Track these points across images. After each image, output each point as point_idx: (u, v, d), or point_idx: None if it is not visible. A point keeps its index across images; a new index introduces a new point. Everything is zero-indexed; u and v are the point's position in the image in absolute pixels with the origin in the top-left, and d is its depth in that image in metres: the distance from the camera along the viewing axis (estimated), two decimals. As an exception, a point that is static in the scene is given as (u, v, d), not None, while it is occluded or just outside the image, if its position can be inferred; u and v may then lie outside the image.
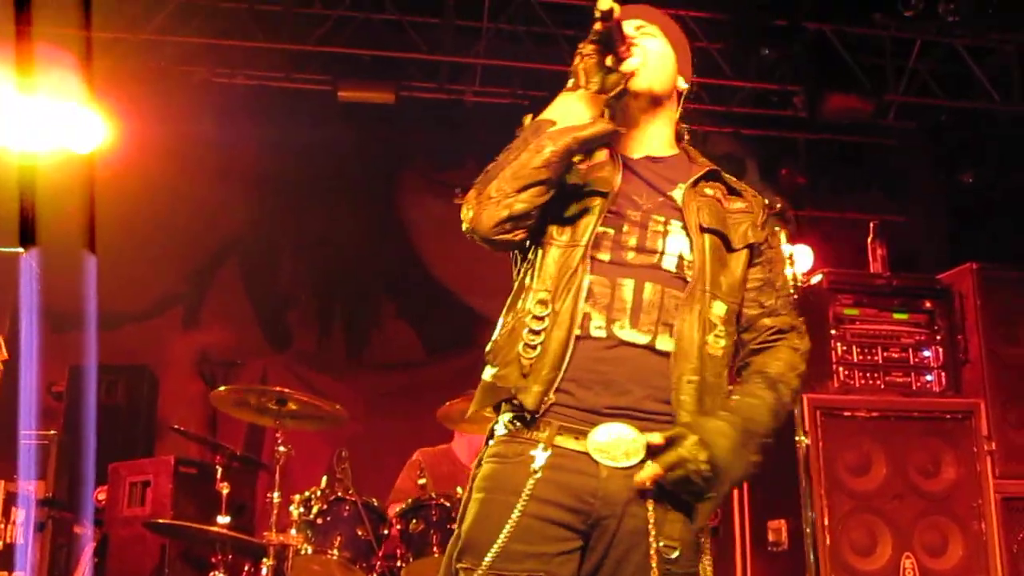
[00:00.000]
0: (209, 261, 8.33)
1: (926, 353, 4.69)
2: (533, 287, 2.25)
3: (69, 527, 5.51)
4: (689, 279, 2.25)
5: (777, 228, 2.47)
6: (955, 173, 8.05)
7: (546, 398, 2.17)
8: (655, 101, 2.41)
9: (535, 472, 2.15)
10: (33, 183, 7.56)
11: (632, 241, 2.26)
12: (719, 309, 2.26)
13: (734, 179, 2.48)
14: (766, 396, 2.29)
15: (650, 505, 2.13)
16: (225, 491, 4.85)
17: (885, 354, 4.63)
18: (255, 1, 7.13)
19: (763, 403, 2.28)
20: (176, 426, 7.32)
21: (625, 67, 2.28)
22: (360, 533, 4.56)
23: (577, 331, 2.19)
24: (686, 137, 2.50)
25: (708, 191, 2.37)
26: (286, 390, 4.75)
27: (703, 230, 2.29)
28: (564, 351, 2.18)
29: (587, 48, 2.26)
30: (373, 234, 8.21)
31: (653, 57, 2.39)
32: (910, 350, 4.68)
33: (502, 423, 2.25)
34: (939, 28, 7.35)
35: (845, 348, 4.58)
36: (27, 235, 6.99)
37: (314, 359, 8.12)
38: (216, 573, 4.67)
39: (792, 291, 2.45)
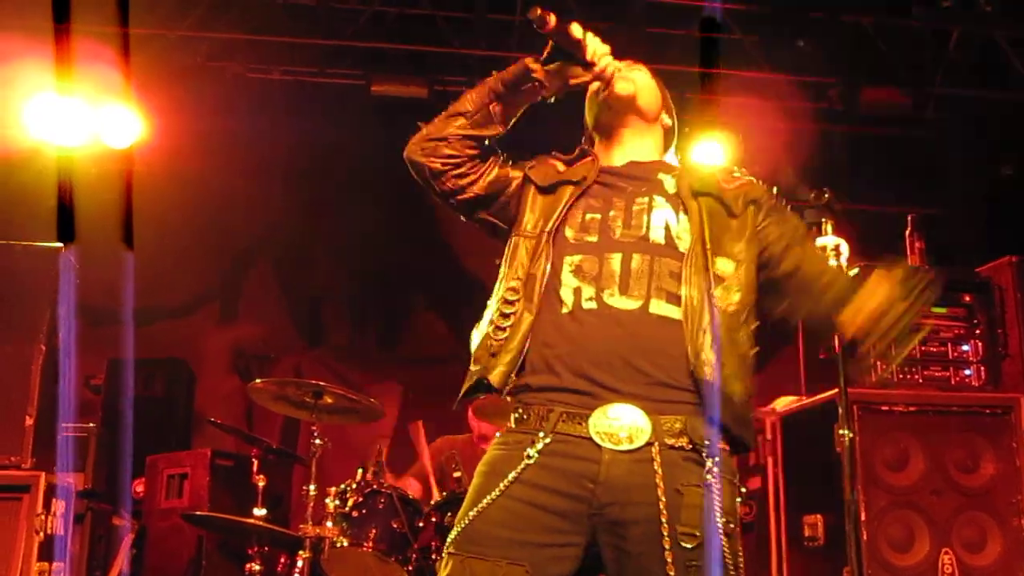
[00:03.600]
0: (244, 256, 8.38)
1: (965, 347, 4.64)
2: (506, 276, 2.33)
3: (108, 519, 5.56)
4: (682, 248, 2.27)
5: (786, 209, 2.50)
6: (994, 166, 7.95)
7: (513, 376, 2.22)
8: (639, 114, 2.52)
9: (529, 457, 2.12)
10: (71, 179, 7.63)
11: (618, 222, 2.31)
12: (725, 265, 2.26)
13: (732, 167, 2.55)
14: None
15: (660, 490, 2.06)
16: (261, 484, 4.88)
17: (923, 348, 4.58)
18: (289, -4, 7.18)
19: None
20: (212, 419, 7.40)
21: (600, 67, 2.46)
22: (395, 525, 4.58)
23: (565, 309, 2.22)
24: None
25: (703, 172, 2.48)
26: (322, 383, 4.77)
27: (696, 195, 2.34)
28: (530, 330, 2.22)
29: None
30: (406, 228, 8.21)
31: (640, 79, 2.54)
32: (948, 344, 4.62)
33: (512, 418, 2.26)
34: (977, 19, 7.26)
35: (883, 342, 4.54)
36: (66, 231, 7.07)
37: (348, 354, 8.15)
38: (252, 565, 4.71)
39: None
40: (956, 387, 4.58)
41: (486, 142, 2.49)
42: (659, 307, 2.19)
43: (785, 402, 5.01)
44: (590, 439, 2.11)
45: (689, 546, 2.05)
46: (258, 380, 4.91)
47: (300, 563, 4.54)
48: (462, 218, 2.56)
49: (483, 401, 4.95)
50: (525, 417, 2.20)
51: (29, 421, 3.99)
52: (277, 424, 7.58)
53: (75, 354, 7.30)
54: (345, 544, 4.56)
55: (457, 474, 4.93)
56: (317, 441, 4.72)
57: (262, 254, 8.41)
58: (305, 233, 8.40)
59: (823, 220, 3.17)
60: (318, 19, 7.27)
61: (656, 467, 2.09)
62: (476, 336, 2.35)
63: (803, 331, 5.00)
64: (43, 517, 3.93)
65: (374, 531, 4.59)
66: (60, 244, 4.35)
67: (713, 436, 2.15)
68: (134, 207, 7.67)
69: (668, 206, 2.33)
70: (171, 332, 8.13)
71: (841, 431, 3.14)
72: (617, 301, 2.19)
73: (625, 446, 2.09)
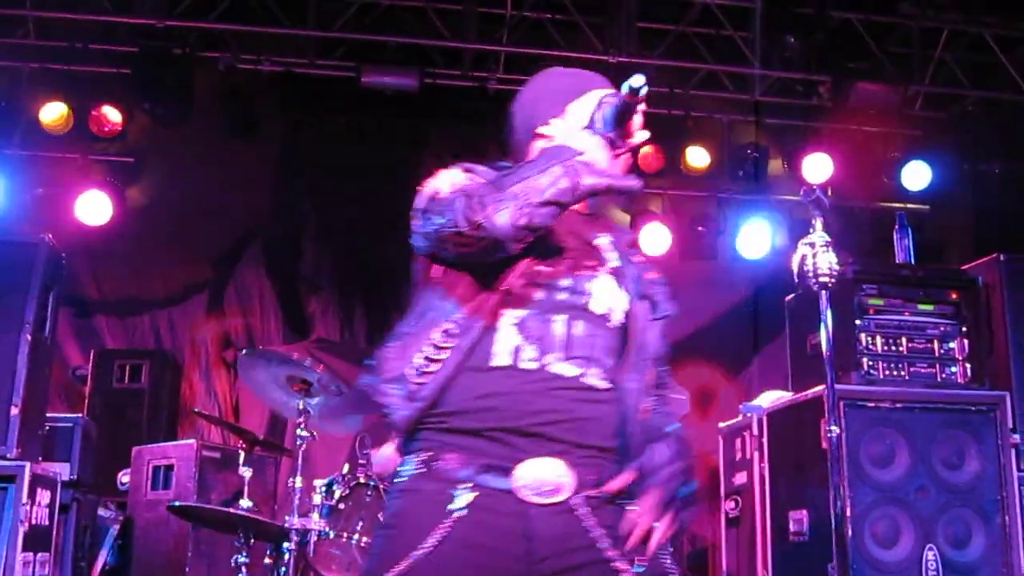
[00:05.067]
0: (232, 247, 8.35)
1: (951, 344, 4.66)
2: (445, 311, 2.19)
3: (93, 509, 5.55)
4: (615, 321, 2.25)
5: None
6: (981, 163, 7.98)
7: (418, 421, 2.13)
8: None
9: (453, 512, 2.06)
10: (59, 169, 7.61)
11: (564, 282, 2.23)
12: (652, 378, 2.27)
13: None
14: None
15: (599, 532, 2.08)
16: (248, 475, 4.87)
17: (910, 345, 4.60)
18: (280, -13, 7.17)
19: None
20: (197, 409, 7.39)
21: (637, 139, 2.27)
22: (382, 517, 4.58)
23: (500, 361, 2.14)
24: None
25: (638, 258, 2.37)
26: (308, 361, 4.75)
27: (642, 296, 2.30)
28: (450, 383, 2.12)
29: (608, 104, 2.23)
30: (396, 221, 8.18)
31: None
32: (935, 341, 4.65)
33: (414, 461, 2.16)
34: (966, 17, 7.29)
35: (870, 338, 4.55)
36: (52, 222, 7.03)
37: (336, 345, 8.12)
38: (238, 556, 4.70)
39: None
40: (942, 384, 4.60)
41: None
42: (594, 379, 2.18)
43: (771, 397, 5.03)
44: (514, 493, 2.07)
45: (640, 569, 2.09)
46: (244, 351, 4.86)
47: (286, 555, 4.54)
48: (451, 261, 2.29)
49: None
50: (437, 461, 2.12)
51: (15, 411, 3.98)
52: (264, 416, 7.57)
53: (62, 345, 7.30)
54: (331, 536, 4.56)
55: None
56: (303, 433, 4.71)
57: (250, 245, 8.37)
58: (294, 224, 8.38)
59: (812, 217, 3.17)
60: (309, 10, 7.25)
61: (584, 514, 2.09)
62: (392, 357, 2.20)
63: (790, 327, 5.02)
64: (28, 507, 3.92)
65: (360, 523, 4.59)
66: (46, 235, 4.33)
67: (630, 484, 2.17)
68: (121, 197, 7.66)
69: (610, 279, 2.29)
70: (158, 322, 8.11)
71: (829, 427, 3.14)
72: (557, 368, 2.15)
73: (550, 499, 2.07)
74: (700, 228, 8.28)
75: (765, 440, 4.91)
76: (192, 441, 6.00)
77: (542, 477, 2.08)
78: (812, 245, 3.16)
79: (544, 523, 2.07)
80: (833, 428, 3.15)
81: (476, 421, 2.12)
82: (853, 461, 4.27)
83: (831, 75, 7.50)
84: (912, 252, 5.06)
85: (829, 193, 3.25)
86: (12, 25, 7.23)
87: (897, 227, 5.12)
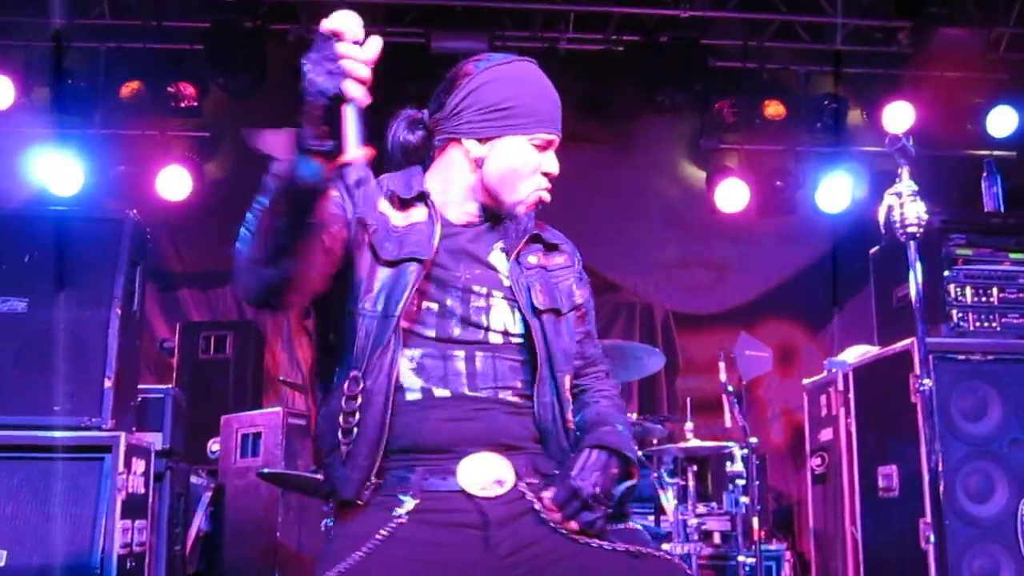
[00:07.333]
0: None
1: (1044, 293, 4.52)
2: (344, 362, 2.17)
3: (186, 477, 5.68)
4: (515, 341, 2.23)
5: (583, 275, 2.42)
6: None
7: (367, 483, 2.10)
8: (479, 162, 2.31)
9: (399, 516, 2.05)
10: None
11: (456, 316, 2.19)
12: (568, 383, 2.27)
13: (550, 231, 2.42)
14: (621, 416, 2.34)
15: (542, 510, 2.11)
16: (334, 442, 4.94)
17: (1001, 295, 4.47)
18: (347, -44, 7.16)
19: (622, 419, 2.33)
20: (282, 377, 7.52)
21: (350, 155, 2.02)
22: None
23: (412, 396, 2.14)
24: None
25: (532, 259, 2.31)
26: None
27: (538, 312, 2.25)
28: (381, 432, 2.10)
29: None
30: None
31: None
32: (1027, 291, 4.51)
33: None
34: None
35: (959, 289, 4.43)
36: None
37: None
38: (327, 520, 4.77)
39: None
40: (1035, 334, 4.47)
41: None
42: (507, 397, 2.19)
43: (856, 352, 4.94)
44: (461, 492, 2.09)
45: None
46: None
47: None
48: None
49: None
50: (380, 483, 2.11)
51: (108, 384, 4.08)
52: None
53: (150, 318, 7.47)
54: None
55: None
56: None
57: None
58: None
59: (898, 166, 3.09)
60: (376, -23, 7.26)
61: (530, 498, 2.12)
62: (322, 430, 2.19)
63: (875, 280, 4.92)
64: (124, 476, 4.03)
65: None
66: (131, 211, 4.41)
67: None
68: (201, 170, 7.79)
69: (505, 304, 2.24)
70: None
71: (921, 381, 3.07)
72: (469, 393, 2.16)
73: (496, 491, 2.10)
74: (778, 183, 8.15)
75: (851, 396, 4.83)
76: (278, 409, 6.10)
77: (483, 472, 2.10)
78: (899, 195, 3.09)
79: (494, 512, 2.08)
80: (925, 382, 3.08)
81: (409, 444, 2.13)
82: (944, 415, 4.18)
83: (911, 21, 7.29)
84: (1001, 200, 4.91)
85: (912, 142, 3.15)
86: (87, 6, 7.35)
87: (985, 174, 4.96)
